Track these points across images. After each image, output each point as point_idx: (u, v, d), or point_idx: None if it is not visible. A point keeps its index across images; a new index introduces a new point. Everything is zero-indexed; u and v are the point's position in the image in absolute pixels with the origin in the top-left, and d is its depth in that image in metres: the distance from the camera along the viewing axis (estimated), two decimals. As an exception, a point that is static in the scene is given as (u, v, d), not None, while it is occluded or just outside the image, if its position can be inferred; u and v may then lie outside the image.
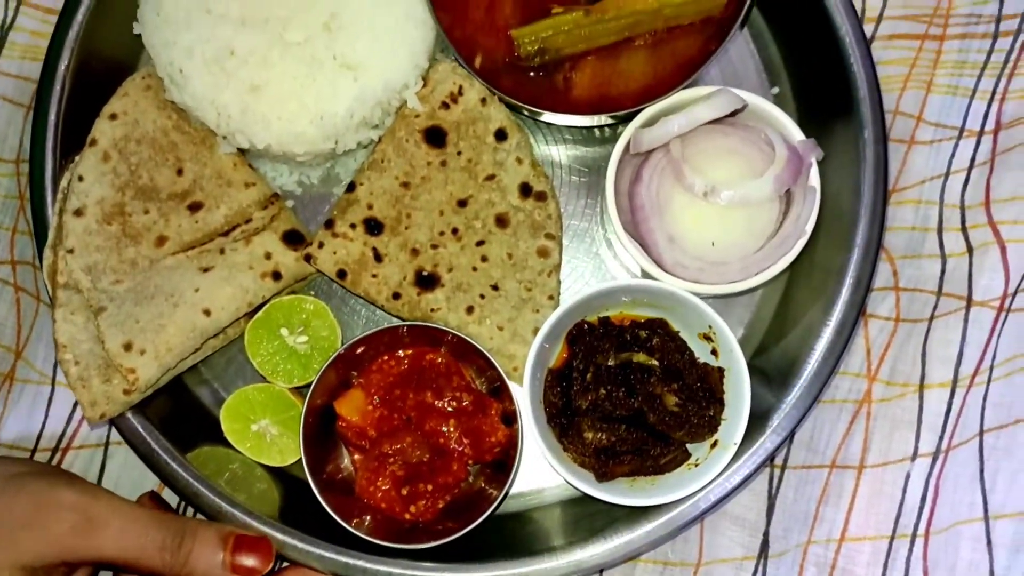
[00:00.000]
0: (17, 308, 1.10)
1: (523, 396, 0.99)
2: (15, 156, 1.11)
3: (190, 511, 1.04)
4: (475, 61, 0.97)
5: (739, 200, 0.93)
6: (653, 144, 0.94)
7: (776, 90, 1.11)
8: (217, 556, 0.91)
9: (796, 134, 0.98)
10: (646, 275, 1.00)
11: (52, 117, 1.03)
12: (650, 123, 0.97)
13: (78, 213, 0.99)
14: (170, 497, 1.04)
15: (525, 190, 1.06)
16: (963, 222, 1.09)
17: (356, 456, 1.05)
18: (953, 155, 1.11)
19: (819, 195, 0.97)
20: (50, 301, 0.99)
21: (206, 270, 1.00)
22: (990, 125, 1.10)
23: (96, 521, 0.86)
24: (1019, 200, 1.06)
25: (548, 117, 1.01)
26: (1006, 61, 1.11)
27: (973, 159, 1.10)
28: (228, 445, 1.04)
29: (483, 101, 1.03)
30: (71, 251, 0.98)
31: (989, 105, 1.11)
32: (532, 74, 0.97)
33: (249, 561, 0.93)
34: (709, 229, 0.96)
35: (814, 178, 0.97)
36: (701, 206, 0.95)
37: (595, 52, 0.96)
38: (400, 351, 1.05)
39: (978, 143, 1.10)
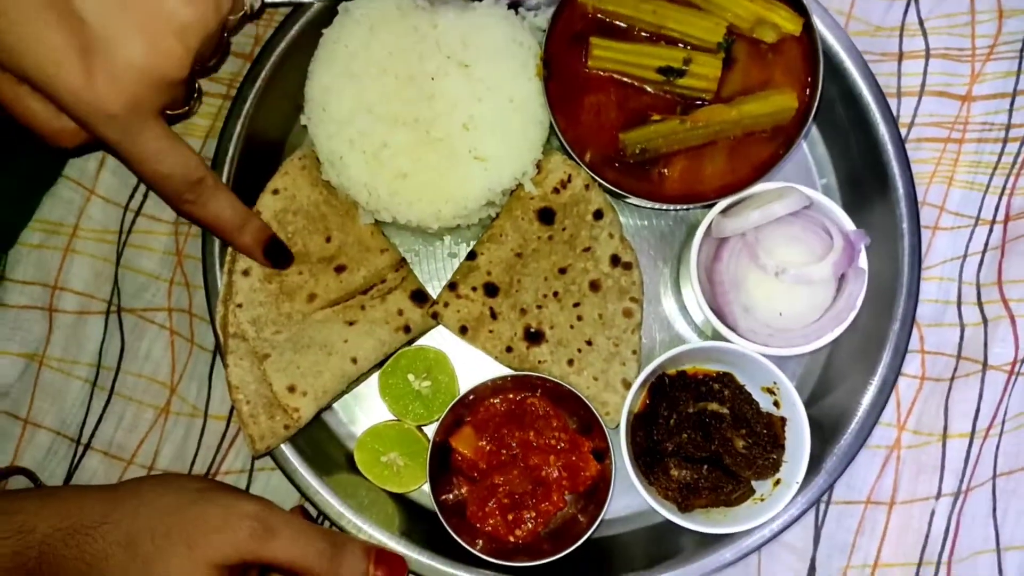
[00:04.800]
0: (172, 350, 1.26)
1: (617, 437, 1.17)
2: (174, 219, 1.29)
3: (326, 525, 1.20)
4: (585, 156, 1.16)
5: (804, 280, 1.13)
6: (734, 232, 1.14)
7: (824, 181, 1.32)
8: (363, 565, 1.07)
9: (848, 224, 1.18)
10: (716, 336, 1.19)
11: (221, 189, 1.20)
12: (727, 214, 1.17)
13: (245, 273, 1.17)
14: (311, 511, 1.20)
15: (615, 260, 1.25)
16: (979, 298, 1.29)
17: (465, 488, 1.22)
18: (970, 240, 1.30)
19: (867, 276, 1.16)
20: (219, 349, 1.16)
21: (351, 323, 1.18)
22: (1000, 215, 1.30)
23: (272, 529, 1.01)
24: (1026, 282, 1.27)
25: (641, 202, 1.20)
26: (1014, 162, 1.31)
27: (986, 244, 1.29)
28: (359, 474, 1.21)
29: (587, 187, 1.22)
30: (240, 306, 1.16)
31: (1000, 199, 1.30)
32: (631, 168, 1.17)
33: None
34: (777, 302, 1.15)
35: (863, 261, 1.17)
36: (771, 283, 1.15)
37: (685, 152, 1.16)
38: (505, 395, 1.23)
39: (990, 231, 1.30)
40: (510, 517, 1.19)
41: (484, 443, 1.21)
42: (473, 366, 1.28)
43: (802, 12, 1.15)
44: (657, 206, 1.19)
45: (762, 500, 1.17)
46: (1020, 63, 1.32)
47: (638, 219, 1.31)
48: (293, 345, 1.15)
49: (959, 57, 1.33)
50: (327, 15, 1.20)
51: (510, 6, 1.26)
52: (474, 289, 1.21)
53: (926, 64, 1.33)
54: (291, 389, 1.12)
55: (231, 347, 1.15)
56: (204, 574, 0.96)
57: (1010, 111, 1.32)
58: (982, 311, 1.28)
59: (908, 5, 1.33)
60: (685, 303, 1.27)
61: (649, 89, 1.17)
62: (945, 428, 1.26)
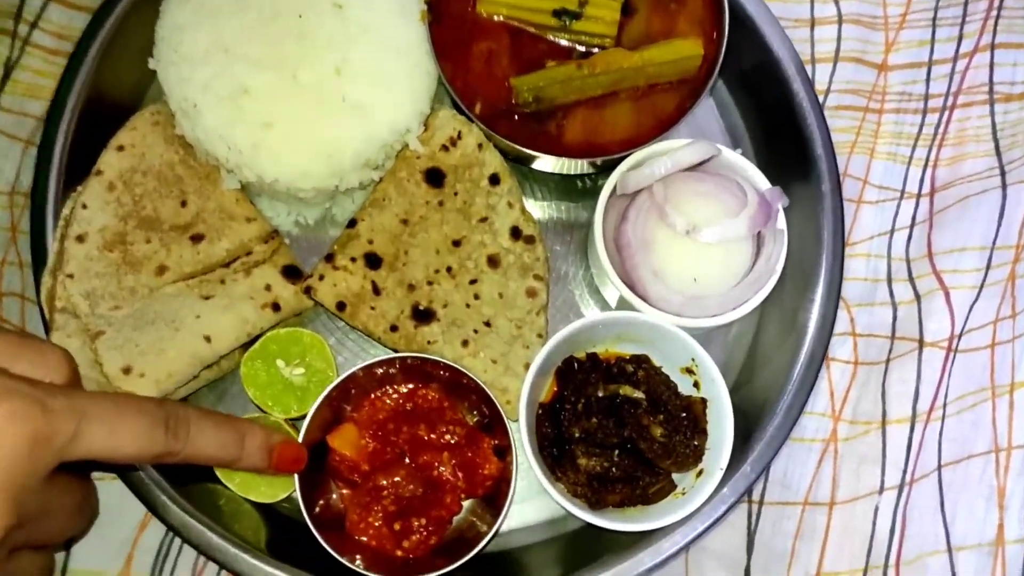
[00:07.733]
0: None
1: (519, 428, 1.01)
2: (10, 188, 1.12)
3: (177, 543, 1.01)
4: (475, 107, 1.05)
5: (717, 237, 1.01)
6: (640, 185, 1.02)
7: (739, 151, 1.23)
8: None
9: (763, 183, 1.08)
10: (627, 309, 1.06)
11: (58, 150, 1.05)
12: (633, 169, 1.06)
13: (80, 239, 1.00)
14: (159, 529, 1.01)
15: (515, 233, 1.12)
16: (909, 273, 1.19)
17: (345, 491, 1.05)
18: (896, 214, 1.22)
19: (787, 237, 1.06)
20: (45, 325, 0.98)
21: (207, 298, 1.02)
22: (926, 188, 1.23)
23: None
24: (957, 252, 1.18)
25: (540, 162, 1.08)
26: (935, 133, 1.25)
27: (914, 218, 1.21)
28: (216, 481, 1.03)
29: (480, 147, 1.10)
30: (71, 276, 0.98)
31: (924, 171, 1.23)
32: (527, 120, 1.05)
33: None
34: (690, 265, 1.03)
35: (781, 222, 1.07)
36: (683, 243, 1.03)
37: (585, 103, 1.06)
38: (393, 387, 1.07)
39: (917, 204, 1.22)
40: (397, 526, 1.02)
41: (366, 441, 1.04)
42: (356, 355, 1.13)
43: (704, -44, 1.08)
44: (555, 162, 1.07)
45: (684, 494, 1.02)
46: (933, 32, 1.27)
47: (543, 194, 1.19)
48: (134, 322, 0.98)
49: (872, 24, 1.27)
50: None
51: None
52: (353, 260, 1.07)
53: (839, 30, 1.27)
54: (126, 371, 0.95)
55: (57, 323, 0.97)
56: None
57: (927, 81, 1.27)
58: (914, 287, 1.18)
59: (817, -30, 1.28)
60: (595, 280, 1.15)
61: (545, 36, 1.07)
62: (884, 414, 1.14)
